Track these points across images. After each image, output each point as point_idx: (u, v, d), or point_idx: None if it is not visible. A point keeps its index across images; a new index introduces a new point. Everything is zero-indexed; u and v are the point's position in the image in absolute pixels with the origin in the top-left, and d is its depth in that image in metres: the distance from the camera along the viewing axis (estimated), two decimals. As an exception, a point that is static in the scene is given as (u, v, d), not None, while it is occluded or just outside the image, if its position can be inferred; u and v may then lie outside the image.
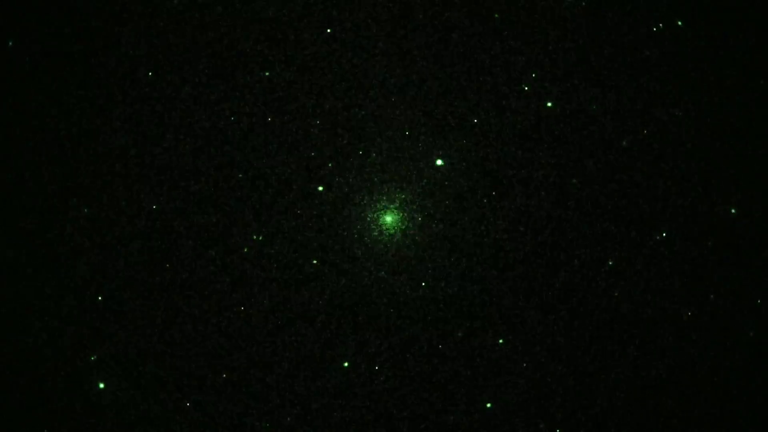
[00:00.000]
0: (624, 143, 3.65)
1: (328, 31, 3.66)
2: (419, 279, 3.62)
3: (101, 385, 3.68)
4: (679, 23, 3.69)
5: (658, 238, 3.65)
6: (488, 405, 3.64)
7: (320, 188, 3.62)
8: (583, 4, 3.66)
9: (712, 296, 3.66)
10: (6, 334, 3.72)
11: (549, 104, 3.64)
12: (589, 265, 3.63)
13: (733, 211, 3.67)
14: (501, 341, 3.63)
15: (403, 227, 3.62)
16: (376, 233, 3.62)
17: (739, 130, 3.69)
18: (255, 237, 3.63)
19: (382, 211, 3.62)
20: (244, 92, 3.66)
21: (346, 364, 3.63)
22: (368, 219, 3.62)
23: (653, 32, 3.68)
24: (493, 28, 3.66)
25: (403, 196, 3.62)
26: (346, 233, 3.62)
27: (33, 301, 3.70)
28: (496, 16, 3.67)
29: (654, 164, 3.66)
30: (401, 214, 3.62)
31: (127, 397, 3.67)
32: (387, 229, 3.62)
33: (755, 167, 3.68)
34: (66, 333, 3.69)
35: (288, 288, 3.63)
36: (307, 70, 3.65)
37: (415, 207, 3.62)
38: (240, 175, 3.64)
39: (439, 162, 3.61)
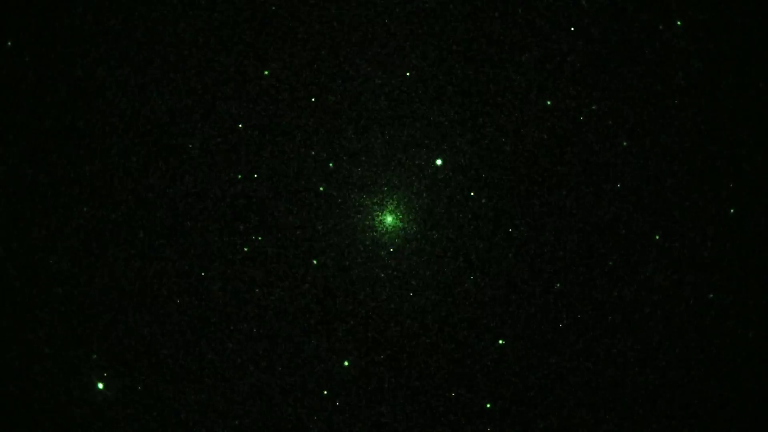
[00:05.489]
0: (624, 143, 3.65)
1: (330, 30, 3.65)
2: (419, 279, 3.62)
3: (101, 386, 3.68)
4: (679, 23, 3.69)
5: (657, 238, 3.66)
6: (488, 405, 3.65)
7: (321, 188, 3.61)
8: (584, 3, 3.66)
9: (711, 296, 3.68)
10: (6, 334, 3.71)
11: (548, 102, 3.64)
12: (589, 265, 3.64)
13: (732, 211, 3.68)
14: (501, 342, 3.63)
15: (403, 227, 3.62)
16: (376, 233, 3.62)
17: (739, 130, 3.70)
18: (255, 237, 3.63)
19: (382, 211, 3.62)
20: (245, 91, 3.65)
21: (346, 364, 3.63)
22: (368, 219, 3.62)
23: (653, 32, 3.68)
24: (493, 27, 3.66)
25: (403, 196, 3.62)
26: (346, 233, 3.62)
27: (33, 301, 3.69)
28: (496, 15, 3.67)
29: (653, 164, 3.66)
30: (401, 214, 3.62)
31: (126, 397, 3.67)
32: (387, 229, 3.62)
33: (755, 167, 3.69)
34: (66, 333, 3.69)
35: (288, 288, 3.63)
36: (308, 70, 3.65)
37: (414, 207, 3.62)
38: (239, 176, 3.63)
39: (438, 162, 3.61)
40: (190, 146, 3.65)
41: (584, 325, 3.65)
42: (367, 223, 3.62)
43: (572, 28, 3.66)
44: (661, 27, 3.68)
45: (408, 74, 3.63)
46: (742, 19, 3.71)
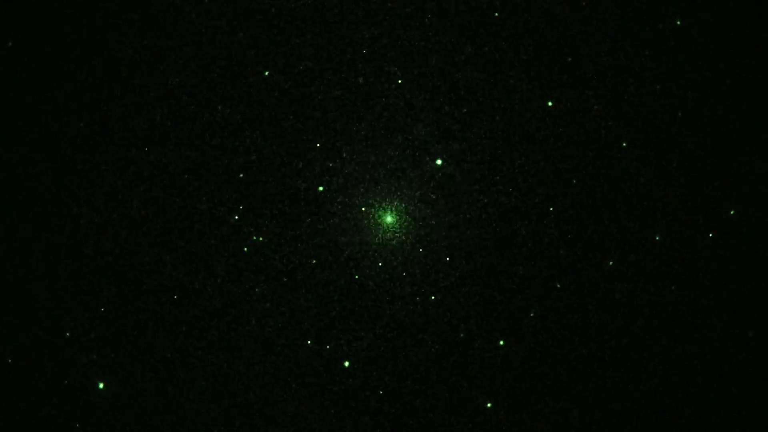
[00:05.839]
0: (624, 143, 3.65)
1: (329, 30, 3.66)
2: (419, 279, 3.62)
3: (101, 385, 3.68)
4: (678, 23, 3.69)
5: (657, 238, 3.65)
6: (488, 405, 3.65)
7: (320, 188, 3.62)
8: (584, 4, 3.66)
9: (711, 296, 3.67)
10: (6, 334, 3.72)
11: (549, 104, 3.64)
12: (589, 266, 3.64)
13: (732, 212, 3.68)
14: (502, 342, 3.63)
15: (403, 227, 3.62)
16: (375, 233, 3.62)
17: (739, 130, 3.70)
18: (255, 237, 3.63)
19: (382, 211, 3.62)
20: (244, 92, 3.66)
21: (346, 364, 3.63)
22: (368, 219, 3.62)
23: (653, 32, 3.68)
24: (493, 27, 3.66)
25: (403, 196, 3.62)
26: (345, 233, 3.62)
27: (33, 301, 3.70)
28: (496, 15, 3.67)
29: (653, 164, 3.66)
30: (401, 214, 3.62)
31: (126, 397, 3.67)
32: (387, 229, 3.62)
33: (755, 167, 3.69)
34: (66, 333, 3.69)
35: (288, 288, 3.63)
36: (308, 70, 3.65)
37: (414, 207, 3.62)
38: (240, 176, 3.64)
39: (439, 162, 3.61)
40: (190, 147, 3.65)
41: (584, 325, 3.65)
42: (367, 222, 3.62)
43: (572, 28, 3.66)
44: (661, 26, 3.68)
45: (408, 74, 3.63)
46: (742, 19, 3.71)
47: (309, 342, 3.63)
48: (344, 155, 3.62)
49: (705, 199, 3.66)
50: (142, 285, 3.66)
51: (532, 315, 3.63)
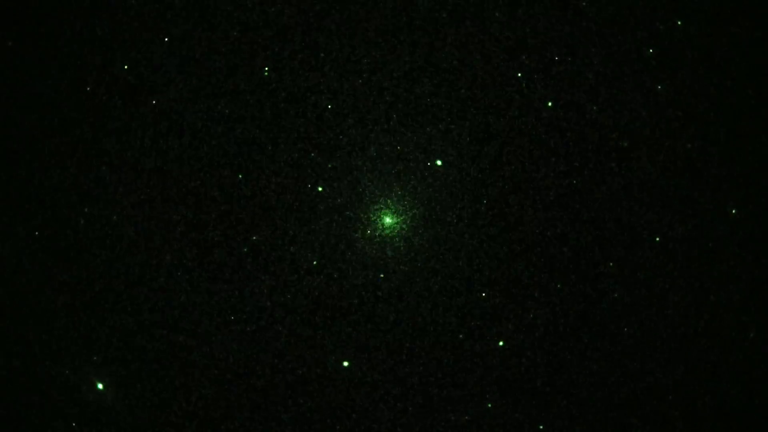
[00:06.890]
0: (624, 144, 3.65)
1: (329, 29, 3.66)
2: (418, 280, 3.62)
3: (100, 386, 3.69)
4: (679, 23, 3.69)
5: (658, 239, 3.66)
6: (488, 405, 3.65)
7: (320, 189, 3.62)
8: (584, 4, 3.66)
9: (712, 297, 3.67)
10: (6, 334, 3.72)
11: (549, 104, 3.64)
12: (589, 267, 3.64)
13: (733, 211, 3.68)
14: (501, 343, 3.63)
15: (402, 228, 3.62)
16: (375, 234, 3.62)
17: (739, 130, 3.70)
18: (254, 237, 3.63)
19: (382, 212, 3.63)
20: (243, 91, 3.66)
21: (346, 364, 3.64)
22: (367, 219, 3.62)
23: (653, 32, 3.68)
24: (493, 27, 3.66)
25: (403, 197, 3.62)
26: (345, 234, 3.62)
27: (33, 301, 3.70)
28: (497, 15, 3.67)
29: (654, 164, 3.66)
30: (400, 215, 3.62)
31: (126, 397, 3.68)
32: (386, 229, 3.62)
33: (755, 167, 3.69)
34: (65, 333, 3.70)
35: (287, 288, 3.64)
36: (307, 69, 3.65)
37: (414, 207, 3.62)
38: (239, 176, 3.64)
39: (438, 162, 3.61)
40: (190, 147, 3.66)
41: (584, 326, 3.65)
42: (367, 223, 3.62)
43: (572, 28, 3.66)
44: (661, 27, 3.68)
45: (408, 74, 3.64)
46: (742, 19, 3.71)
47: (308, 342, 3.63)
48: (344, 155, 3.62)
49: (705, 199, 3.66)
50: (142, 285, 3.66)
51: (532, 316, 3.63)
